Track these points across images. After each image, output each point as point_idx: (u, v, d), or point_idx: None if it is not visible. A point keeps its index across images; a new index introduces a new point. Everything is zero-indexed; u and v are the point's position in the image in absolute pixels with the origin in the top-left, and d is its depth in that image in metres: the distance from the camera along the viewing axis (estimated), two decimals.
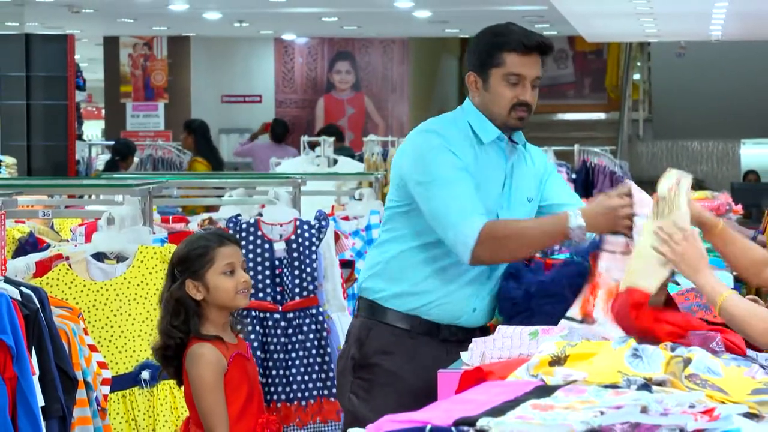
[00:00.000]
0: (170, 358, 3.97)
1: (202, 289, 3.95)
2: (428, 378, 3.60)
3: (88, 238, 5.29)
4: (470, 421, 2.26)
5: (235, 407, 3.88)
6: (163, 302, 4.01)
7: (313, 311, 5.56)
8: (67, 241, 5.80)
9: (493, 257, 3.88)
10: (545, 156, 4.21)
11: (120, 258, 4.93)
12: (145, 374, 4.78)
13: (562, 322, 3.59)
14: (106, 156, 14.58)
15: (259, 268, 5.51)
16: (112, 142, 15.18)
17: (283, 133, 15.08)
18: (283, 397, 5.47)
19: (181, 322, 3.92)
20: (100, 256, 4.91)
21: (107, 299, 4.81)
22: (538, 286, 3.88)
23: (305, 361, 5.51)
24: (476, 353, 3.41)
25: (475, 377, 2.94)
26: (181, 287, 3.93)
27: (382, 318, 4.05)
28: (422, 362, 3.96)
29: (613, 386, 2.56)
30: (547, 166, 4.16)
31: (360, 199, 7.44)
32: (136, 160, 14.33)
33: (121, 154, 13.71)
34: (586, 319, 3.60)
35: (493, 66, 3.95)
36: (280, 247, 5.60)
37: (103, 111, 21.05)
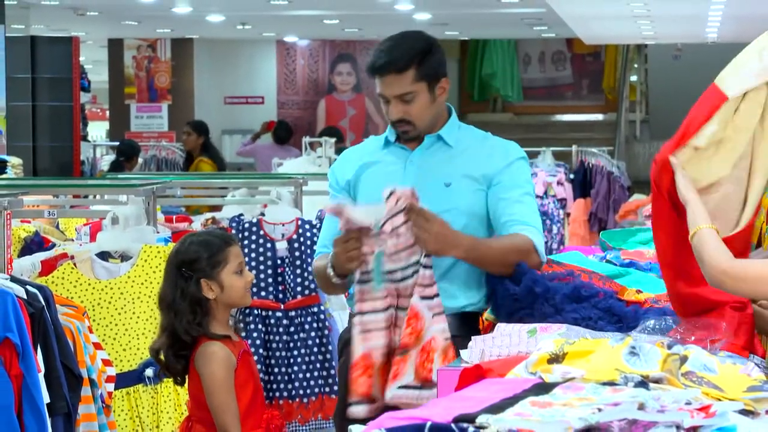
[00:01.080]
0: (179, 357, 3.97)
1: (216, 288, 3.95)
2: None
3: (92, 238, 5.32)
4: (470, 418, 2.26)
5: (243, 403, 3.91)
6: (174, 302, 3.94)
7: (315, 309, 5.59)
8: (72, 240, 5.81)
9: None
10: (503, 154, 4.11)
11: (124, 257, 4.95)
12: (149, 372, 4.81)
13: (397, 392, 3.63)
14: (111, 156, 14.59)
15: (262, 267, 5.54)
16: (117, 143, 15.19)
17: (286, 136, 15.10)
18: (285, 394, 5.50)
19: (195, 322, 3.93)
20: (104, 255, 4.93)
21: (111, 298, 4.84)
22: (542, 286, 3.89)
23: (307, 358, 5.54)
24: (475, 351, 3.43)
25: (475, 375, 2.93)
26: (197, 286, 3.94)
27: None
28: None
29: (611, 383, 2.55)
30: (497, 166, 4.08)
31: None
32: (140, 160, 14.35)
33: (126, 154, 13.72)
34: (426, 384, 3.65)
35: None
36: (282, 247, 5.63)
37: (108, 112, 21.05)
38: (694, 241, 3.13)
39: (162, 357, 4.01)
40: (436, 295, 3.78)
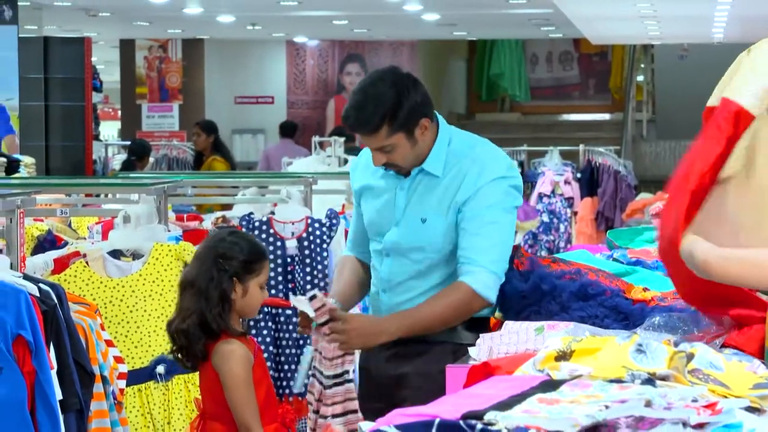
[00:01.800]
0: (201, 343, 3.92)
1: (240, 291, 3.95)
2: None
3: (104, 236, 5.34)
4: (478, 415, 2.26)
5: (259, 399, 3.93)
6: (207, 288, 3.89)
7: None
8: (85, 238, 5.83)
9: None
10: (478, 174, 4.00)
11: (136, 255, 4.97)
12: (161, 369, 4.83)
13: None
14: (123, 156, 14.62)
15: (272, 265, 5.55)
16: (128, 143, 15.22)
17: (292, 127, 15.32)
18: (294, 391, 5.52)
19: (221, 315, 3.92)
20: (116, 254, 4.95)
21: (123, 296, 4.86)
22: (549, 284, 3.92)
23: None
24: (483, 349, 3.44)
25: (483, 372, 2.93)
26: (230, 283, 3.93)
27: None
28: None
29: (618, 381, 2.54)
30: (468, 191, 4.00)
31: None
32: (151, 159, 14.39)
33: (137, 154, 13.75)
34: None
35: None
36: (291, 245, 5.65)
37: (119, 112, 21.09)
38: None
39: (184, 338, 3.93)
40: (356, 411, 3.85)
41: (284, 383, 5.57)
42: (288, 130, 15.32)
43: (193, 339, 3.90)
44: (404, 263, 4.07)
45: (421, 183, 4.06)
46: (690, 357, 2.75)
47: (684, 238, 3.07)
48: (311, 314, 3.81)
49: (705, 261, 3.03)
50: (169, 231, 5.32)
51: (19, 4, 10.98)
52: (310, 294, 3.85)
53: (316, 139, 11.91)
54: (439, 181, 4.04)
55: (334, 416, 3.81)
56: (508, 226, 4.01)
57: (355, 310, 5.79)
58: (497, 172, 4.01)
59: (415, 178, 4.07)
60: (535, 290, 3.89)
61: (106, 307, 4.81)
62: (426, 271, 4.04)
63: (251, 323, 4.26)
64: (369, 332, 3.90)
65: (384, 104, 3.90)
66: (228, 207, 7.74)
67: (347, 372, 3.86)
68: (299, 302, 3.85)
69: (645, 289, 3.96)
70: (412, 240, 4.04)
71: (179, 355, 3.99)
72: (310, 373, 3.93)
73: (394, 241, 4.08)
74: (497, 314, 4.05)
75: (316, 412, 3.86)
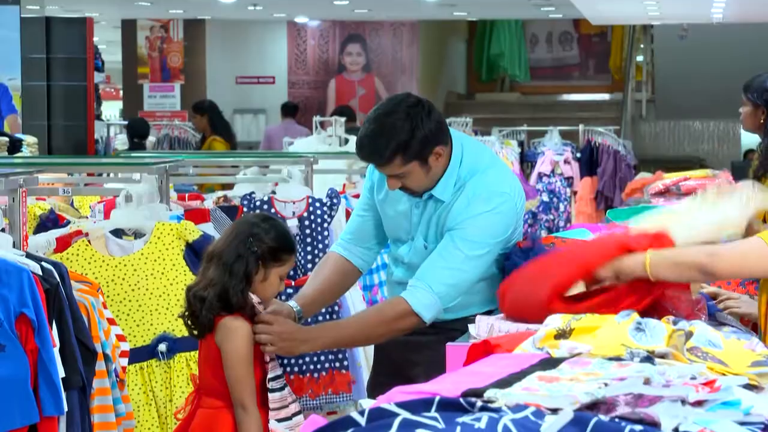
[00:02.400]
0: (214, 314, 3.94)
1: (261, 276, 3.96)
2: None
3: (106, 215, 5.34)
4: (478, 393, 2.27)
5: (258, 377, 3.94)
6: (234, 263, 3.89)
7: None
8: (87, 217, 5.83)
9: None
10: (469, 203, 4.01)
11: (138, 234, 4.98)
12: (162, 347, 4.84)
13: None
14: (125, 136, 14.60)
15: None
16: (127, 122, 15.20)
17: (294, 107, 15.44)
18: (296, 369, 5.54)
19: (242, 292, 3.93)
20: (118, 233, 4.95)
21: (125, 274, 4.87)
22: None
23: None
24: (483, 327, 3.46)
25: (483, 350, 2.94)
26: (255, 263, 3.94)
27: None
28: None
29: (617, 359, 2.55)
30: (457, 218, 4.01)
31: None
32: (153, 139, 14.38)
33: (141, 134, 13.76)
34: None
35: None
36: (293, 224, 5.66)
37: (121, 92, 21.07)
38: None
39: (199, 305, 3.92)
40: (295, 415, 3.91)
41: (285, 361, 5.57)
42: (290, 110, 15.37)
43: (208, 308, 3.90)
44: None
45: (429, 206, 4.09)
46: (689, 335, 2.76)
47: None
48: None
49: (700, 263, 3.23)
50: (170, 210, 5.33)
51: None
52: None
53: (317, 119, 11.90)
54: (446, 205, 4.04)
55: (279, 420, 3.89)
56: (474, 260, 3.97)
57: (356, 291, 5.83)
58: (489, 204, 3.98)
59: (426, 201, 4.09)
60: None
61: (108, 286, 4.82)
62: None
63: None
64: (296, 338, 3.93)
65: (397, 136, 3.90)
66: (229, 186, 7.75)
67: (275, 379, 3.92)
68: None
69: None
70: (419, 260, 4.08)
71: (189, 321, 3.99)
72: None
73: (407, 257, 4.14)
74: None
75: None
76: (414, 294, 3.97)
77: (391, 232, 4.21)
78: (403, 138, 3.89)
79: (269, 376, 3.94)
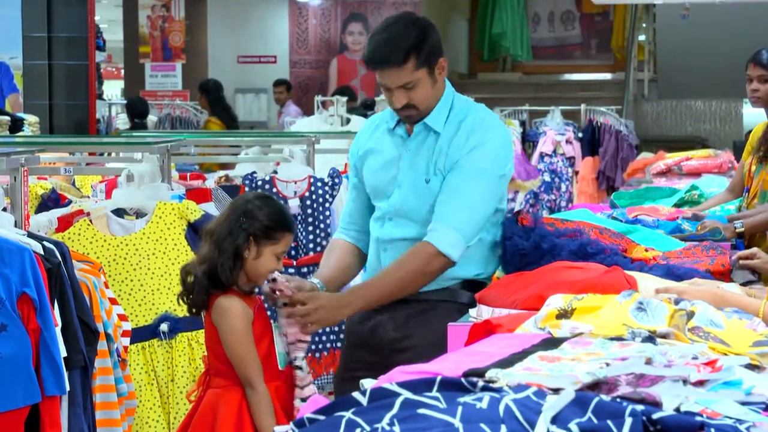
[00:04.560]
0: (205, 292, 3.93)
1: (253, 253, 3.95)
2: None
3: (108, 195, 5.34)
4: (479, 372, 2.27)
5: (260, 356, 3.94)
6: (224, 240, 3.87)
7: None
8: (88, 197, 5.83)
9: None
10: (467, 136, 4.05)
11: (139, 214, 4.98)
12: (164, 326, 4.85)
13: None
14: (126, 115, 14.59)
15: None
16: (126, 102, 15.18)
17: (283, 81, 15.64)
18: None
19: (231, 269, 3.91)
20: (120, 212, 4.95)
21: (127, 254, 4.88)
22: (549, 243, 3.94)
23: None
24: (485, 306, 3.46)
25: (484, 330, 2.94)
26: (246, 240, 3.93)
27: None
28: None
29: (619, 339, 2.55)
30: (457, 153, 4.04)
31: None
32: (154, 119, 14.36)
33: (139, 113, 13.74)
34: None
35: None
36: (294, 204, 5.66)
37: (123, 71, 21.04)
38: None
39: (191, 283, 3.92)
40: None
41: None
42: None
43: (199, 286, 3.90)
44: (406, 226, 4.08)
45: (424, 143, 4.09)
46: (690, 315, 2.76)
47: None
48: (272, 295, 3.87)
49: None
50: (172, 189, 5.32)
51: None
52: (271, 276, 3.87)
53: (318, 98, 11.89)
54: (441, 139, 4.06)
55: (301, 400, 3.89)
56: (487, 193, 4.03)
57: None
58: (485, 138, 4.04)
59: (417, 137, 4.09)
60: (536, 249, 3.92)
61: (109, 266, 4.82)
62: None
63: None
64: (335, 306, 3.92)
65: (410, 37, 4.00)
66: (231, 166, 7.75)
67: (296, 358, 3.92)
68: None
69: (647, 249, 3.98)
70: (416, 202, 4.05)
71: (185, 299, 3.99)
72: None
73: (399, 203, 4.10)
74: (499, 273, 4.07)
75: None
76: (437, 236, 3.97)
77: (376, 188, 4.18)
78: (414, 41, 4.00)
79: (299, 354, 3.92)
